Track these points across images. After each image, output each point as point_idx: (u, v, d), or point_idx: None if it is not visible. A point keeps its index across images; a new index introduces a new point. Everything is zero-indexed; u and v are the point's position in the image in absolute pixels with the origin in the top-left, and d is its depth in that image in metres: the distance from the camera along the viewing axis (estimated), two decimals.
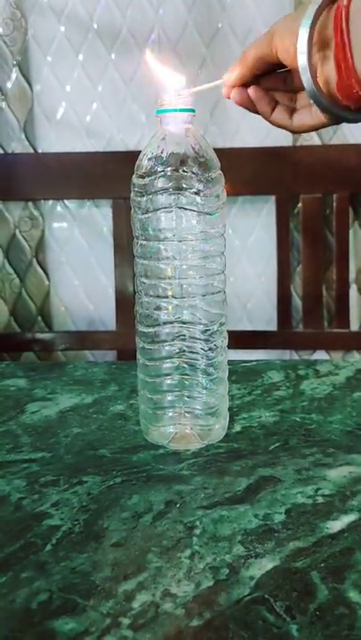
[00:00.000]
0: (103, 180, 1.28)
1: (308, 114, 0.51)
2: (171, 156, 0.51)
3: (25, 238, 1.37)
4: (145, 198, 0.52)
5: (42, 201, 1.35)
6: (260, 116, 0.53)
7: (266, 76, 0.52)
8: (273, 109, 0.52)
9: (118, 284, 1.30)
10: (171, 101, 0.51)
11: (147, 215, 0.52)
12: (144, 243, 0.53)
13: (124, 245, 1.28)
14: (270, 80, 0.52)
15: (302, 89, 0.47)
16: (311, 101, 0.47)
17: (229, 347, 0.57)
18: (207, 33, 1.26)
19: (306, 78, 0.45)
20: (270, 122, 0.53)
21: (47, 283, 1.39)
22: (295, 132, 0.53)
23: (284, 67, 0.49)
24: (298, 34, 0.45)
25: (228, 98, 0.53)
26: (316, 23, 0.44)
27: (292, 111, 0.52)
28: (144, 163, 0.52)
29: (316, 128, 0.51)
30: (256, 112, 0.53)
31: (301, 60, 0.45)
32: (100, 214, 1.35)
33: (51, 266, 1.39)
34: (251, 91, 0.52)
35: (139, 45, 1.28)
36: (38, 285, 1.39)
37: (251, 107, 0.53)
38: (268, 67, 0.50)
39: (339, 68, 0.44)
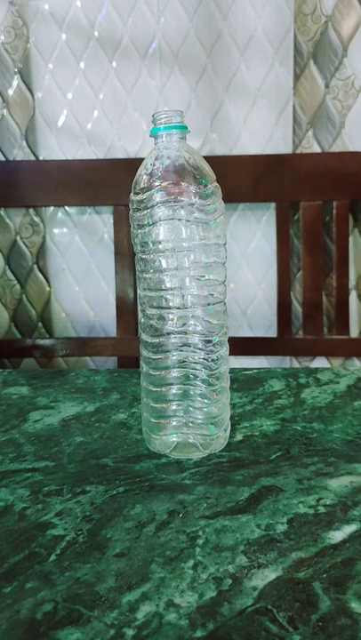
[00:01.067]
0: (104, 187, 1.28)
1: None
2: (166, 172, 0.52)
3: (26, 244, 1.38)
4: (143, 213, 0.52)
5: (43, 207, 1.36)
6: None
7: None
8: None
9: (119, 290, 1.30)
10: (164, 120, 0.52)
11: (146, 229, 0.53)
12: (145, 257, 0.54)
13: (125, 252, 1.29)
14: None
15: None
16: None
17: (229, 353, 0.57)
18: (208, 41, 1.26)
19: None
20: None
21: (48, 289, 1.40)
22: None
23: None
24: None
25: None
26: None
27: None
28: (141, 179, 0.53)
29: None
30: None
31: None
32: (101, 221, 1.36)
33: (51, 272, 1.39)
34: None
35: (140, 53, 1.29)
36: (39, 291, 1.40)
37: None
38: None
39: None
